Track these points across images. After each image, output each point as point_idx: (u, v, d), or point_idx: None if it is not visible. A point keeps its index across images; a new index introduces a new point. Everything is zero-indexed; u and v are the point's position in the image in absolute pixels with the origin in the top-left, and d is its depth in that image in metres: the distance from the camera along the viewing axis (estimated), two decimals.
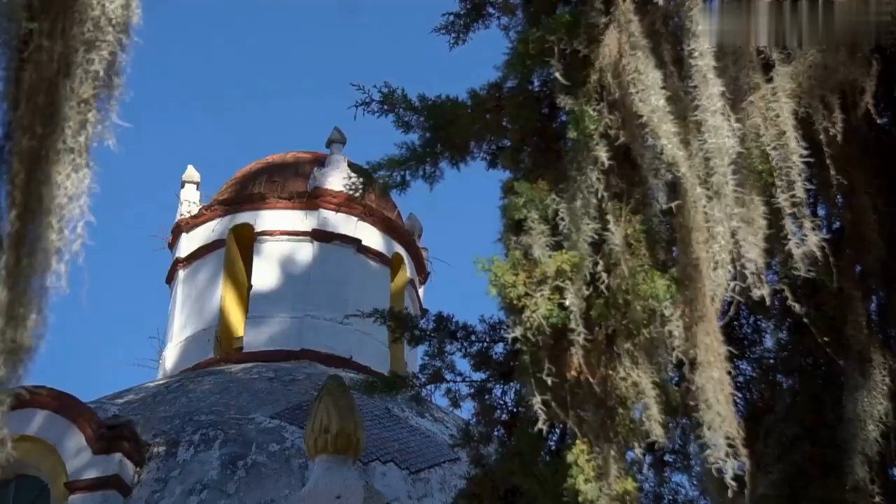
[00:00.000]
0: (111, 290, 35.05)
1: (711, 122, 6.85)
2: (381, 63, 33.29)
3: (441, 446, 14.50)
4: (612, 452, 6.87)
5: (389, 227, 17.54)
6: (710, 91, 6.87)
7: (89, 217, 5.39)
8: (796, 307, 6.98)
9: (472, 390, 8.39)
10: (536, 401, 6.87)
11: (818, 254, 6.93)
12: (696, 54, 6.92)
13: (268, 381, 15.16)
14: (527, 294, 6.97)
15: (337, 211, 16.87)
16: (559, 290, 6.95)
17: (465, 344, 8.45)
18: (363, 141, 19.37)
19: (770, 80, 7.19)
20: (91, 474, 13.33)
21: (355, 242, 16.98)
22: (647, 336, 6.87)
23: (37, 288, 5.39)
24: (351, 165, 17.20)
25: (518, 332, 6.92)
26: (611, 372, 6.95)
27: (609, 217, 6.98)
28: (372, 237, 17.23)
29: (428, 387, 8.45)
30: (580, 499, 6.77)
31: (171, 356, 16.77)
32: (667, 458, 8.05)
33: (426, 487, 14.11)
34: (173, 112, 37.05)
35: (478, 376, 8.45)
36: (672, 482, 8.17)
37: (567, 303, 6.91)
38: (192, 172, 17.97)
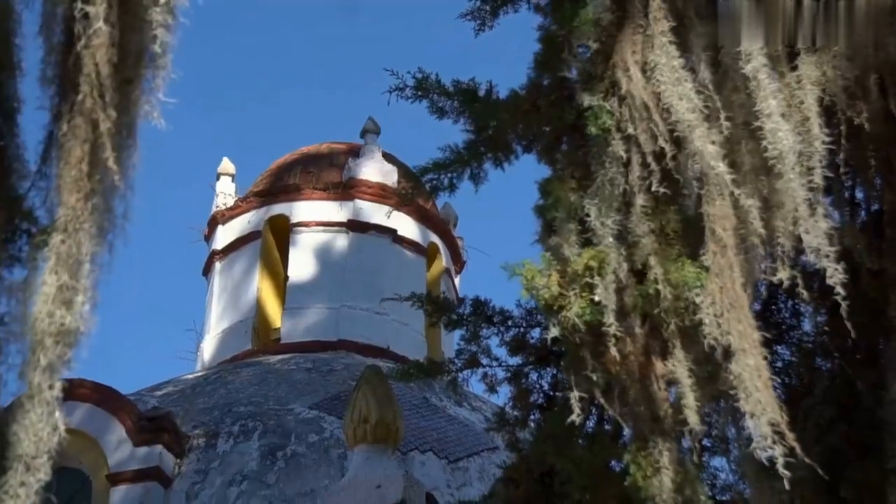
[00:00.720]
0: (148, 284, 35.24)
1: (770, 126, 6.87)
2: (413, 52, 33.28)
3: (479, 435, 14.51)
4: (667, 445, 6.89)
5: (424, 217, 17.55)
6: (763, 93, 6.88)
7: (134, 197, 5.42)
8: (804, 294, 7.01)
9: (508, 375, 8.41)
10: (574, 396, 6.91)
11: (825, 243, 6.94)
12: (743, 58, 6.94)
13: (306, 372, 15.20)
14: (561, 294, 7.03)
15: (372, 201, 16.90)
16: (590, 287, 7.00)
17: (501, 329, 8.47)
18: (397, 131, 19.42)
19: (795, 69, 7.21)
20: (132, 466, 13.40)
21: (391, 232, 16.99)
22: (680, 325, 6.89)
23: (86, 270, 5.42)
24: (385, 155, 17.29)
25: (556, 332, 6.98)
26: (652, 363, 6.98)
27: (633, 209, 7.02)
28: (407, 227, 17.24)
29: (464, 372, 8.47)
30: (642, 495, 6.80)
31: (208, 348, 16.83)
32: (705, 442, 8.06)
33: (465, 476, 14.12)
34: (208, 104, 37.17)
35: (514, 361, 8.47)
36: (711, 467, 8.18)
37: (598, 298, 6.95)
38: (227, 164, 18.03)
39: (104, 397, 13.74)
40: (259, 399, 14.49)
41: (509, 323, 8.49)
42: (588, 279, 6.98)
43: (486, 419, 14.62)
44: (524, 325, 8.48)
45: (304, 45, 38.51)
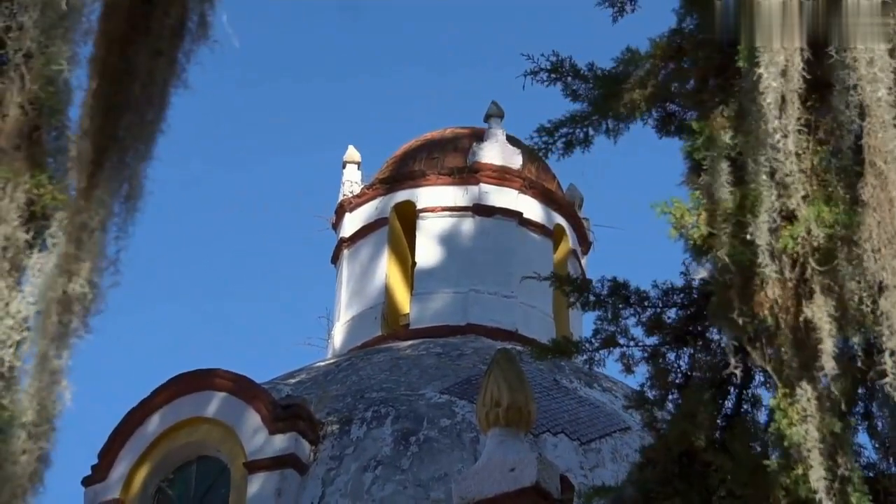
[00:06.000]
0: (278, 273, 35.62)
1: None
2: (541, 35, 33.08)
3: (611, 416, 14.45)
4: (815, 393, 6.75)
5: (550, 199, 17.49)
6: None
7: (149, 167, 5.47)
8: None
9: (646, 355, 8.34)
10: (726, 342, 6.80)
11: None
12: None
13: (436, 357, 15.25)
14: (710, 234, 6.93)
15: (497, 184, 16.88)
16: (742, 226, 6.88)
17: (637, 309, 8.40)
18: (521, 115, 19.33)
19: None
20: (269, 454, 13.55)
21: (516, 215, 16.96)
22: (824, 268, 6.76)
23: (95, 241, 5.46)
24: (509, 139, 17.24)
25: (705, 273, 6.89)
26: (801, 308, 6.84)
27: (782, 147, 6.87)
28: (533, 209, 17.20)
29: (601, 351, 8.41)
30: (786, 443, 6.69)
31: (339, 335, 16.95)
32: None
33: (598, 458, 14.07)
34: (331, 93, 37.41)
35: (650, 341, 8.40)
36: (856, 444, 8.04)
37: (751, 238, 6.83)
38: (352, 153, 18.13)
39: (239, 386, 13.92)
40: (391, 385, 14.57)
41: (646, 303, 8.41)
42: (740, 218, 6.87)
43: (618, 400, 14.56)
44: (660, 305, 8.40)
45: (427, 31, 38.58)
